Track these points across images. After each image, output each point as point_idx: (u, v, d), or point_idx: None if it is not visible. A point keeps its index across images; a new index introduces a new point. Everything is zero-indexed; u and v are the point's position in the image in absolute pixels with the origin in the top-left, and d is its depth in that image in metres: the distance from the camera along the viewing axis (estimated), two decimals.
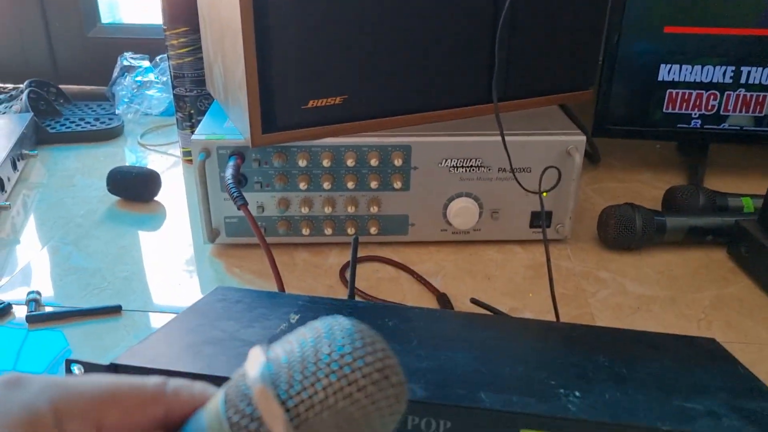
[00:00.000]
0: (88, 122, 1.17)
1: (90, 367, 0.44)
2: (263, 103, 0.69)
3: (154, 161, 1.05)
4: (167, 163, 1.04)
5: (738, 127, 0.95)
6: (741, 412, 0.43)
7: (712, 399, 0.44)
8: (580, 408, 0.42)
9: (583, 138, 0.75)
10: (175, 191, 0.95)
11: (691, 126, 0.96)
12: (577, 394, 0.44)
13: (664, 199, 0.86)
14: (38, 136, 1.11)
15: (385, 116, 0.74)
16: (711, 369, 0.50)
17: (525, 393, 0.43)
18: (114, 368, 0.44)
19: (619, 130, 0.97)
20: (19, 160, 0.99)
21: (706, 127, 0.96)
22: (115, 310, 0.68)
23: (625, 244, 0.78)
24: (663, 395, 0.44)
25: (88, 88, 1.37)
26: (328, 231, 0.77)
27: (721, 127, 0.95)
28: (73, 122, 1.17)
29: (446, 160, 0.75)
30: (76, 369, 0.44)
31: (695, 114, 0.95)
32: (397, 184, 0.75)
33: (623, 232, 0.77)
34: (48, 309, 0.68)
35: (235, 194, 0.67)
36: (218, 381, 0.42)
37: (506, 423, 0.41)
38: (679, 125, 0.96)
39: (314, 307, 0.57)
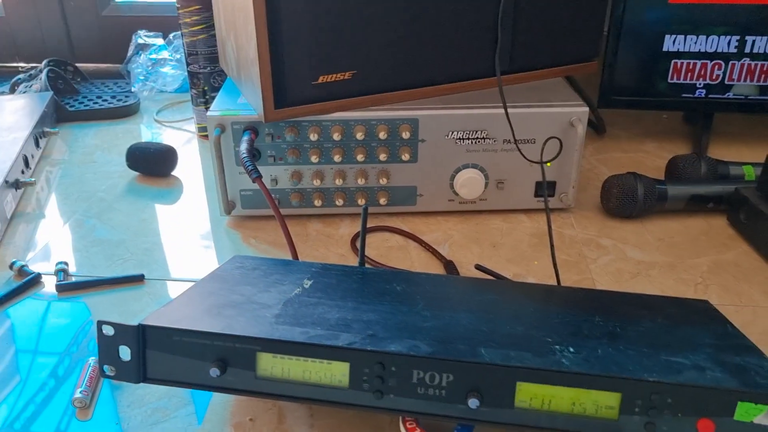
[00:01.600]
0: (105, 100, 1.20)
1: (119, 329, 0.48)
2: (275, 79, 0.71)
3: (170, 137, 1.09)
4: (183, 139, 1.07)
5: (743, 97, 0.96)
6: (725, 365, 0.46)
7: (699, 354, 0.47)
8: (574, 362, 0.45)
9: (586, 109, 0.77)
10: (191, 166, 0.98)
11: (695, 96, 0.97)
12: (572, 349, 0.47)
13: (667, 168, 0.88)
14: (58, 115, 1.14)
15: (393, 90, 0.76)
16: (700, 327, 0.53)
17: (522, 348, 0.46)
18: (142, 329, 0.47)
19: (625, 100, 0.99)
20: (41, 138, 1.03)
21: (710, 96, 0.97)
22: (139, 279, 0.72)
23: (627, 212, 0.80)
24: (652, 351, 0.47)
25: (103, 66, 1.40)
26: (339, 202, 0.80)
27: (725, 96, 0.97)
28: (90, 100, 1.20)
29: (453, 133, 0.77)
30: (106, 330, 0.48)
31: (700, 84, 0.96)
32: (405, 157, 0.78)
33: (625, 200, 0.79)
34: (75, 279, 0.72)
35: (249, 168, 0.70)
36: (237, 340, 0.46)
37: (504, 376, 0.44)
38: (683, 95, 0.97)
39: (326, 274, 0.61)
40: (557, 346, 0.47)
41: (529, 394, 0.44)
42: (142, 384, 0.57)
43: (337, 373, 0.46)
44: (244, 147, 0.73)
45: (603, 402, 0.44)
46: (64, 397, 0.57)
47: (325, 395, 0.47)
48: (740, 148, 1.00)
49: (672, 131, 1.08)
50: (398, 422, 0.53)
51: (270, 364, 0.47)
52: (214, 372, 0.46)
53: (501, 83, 0.71)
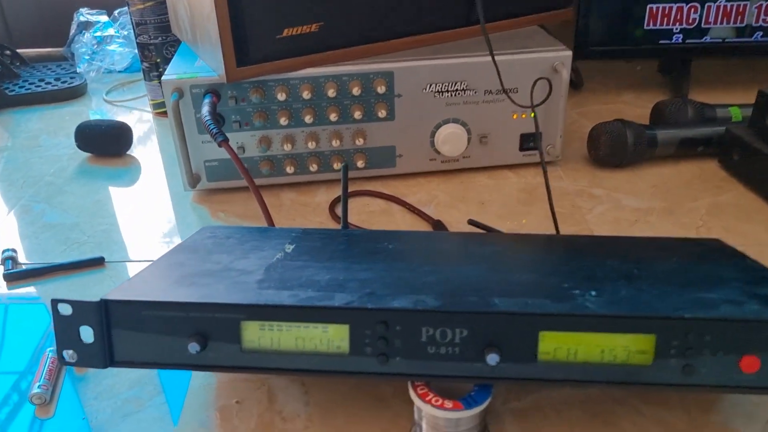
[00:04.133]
0: (49, 82, 1.11)
1: (78, 306, 0.41)
2: (235, 34, 0.65)
3: (122, 118, 1.01)
4: (137, 118, 1.00)
5: (720, 40, 0.93)
6: (758, 298, 0.42)
7: (728, 289, 0.43)
8: (599, 305, 0.40)
9: (569, 53, 0.73)
10: (147, 145, 0.90)
11: (673, 42, 0.94)
12: (593, 293, 0.42)
13: (652, 114, 0.85)
14: None
15: (363, 43, 0.71)
16: (720, 264, 0.49)
17: (539, 296, 0.42)
18: (105, 305, 0.41)
19: (601, 50, 0.95)
20: None
21: (688, 41, 0.94)
22: (98, 263, 0.65)
23: (617, 160, 0.77)
24: (678, 289, 0.43)
25: (44, 50, 1.30)
26: (314, 168, 0.74)
27: (703, 40, 0.94)
28: (32, 84, 1.11)
29: (431, 85, 0.72)
30: (63, 309, 0.41)
31: (677, 29, 0.93)
32: (382, 113, 0.72)
33: (615, 147, 0.75)
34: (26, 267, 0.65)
35: (214, 131, 0.64)
36: (217, 309, 0.40)
37: (524, 326, 0.39)
38: (661, 41, 0.94)
39: (309, 238, 0.55)
40: (576, 291, 0.42)
41: (552, 345, 0.40)
42: (109, 373, 0.51)
43: (335, 338, 0.41)
44: (205, 110, 0.66)
45: (635, 346, 0.39)
46: (20, 395, 0.50)
47: (322, 365, 0.41)
48: (719, 94, 0.98)
49: (648, 82, 1.04)
50: (402, 393, 0.48)
51: (257, 335, 0.41)
52: (194, 348, 0.40)
53: (485, 28, 0.66)
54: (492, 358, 0.39)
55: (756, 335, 0.38)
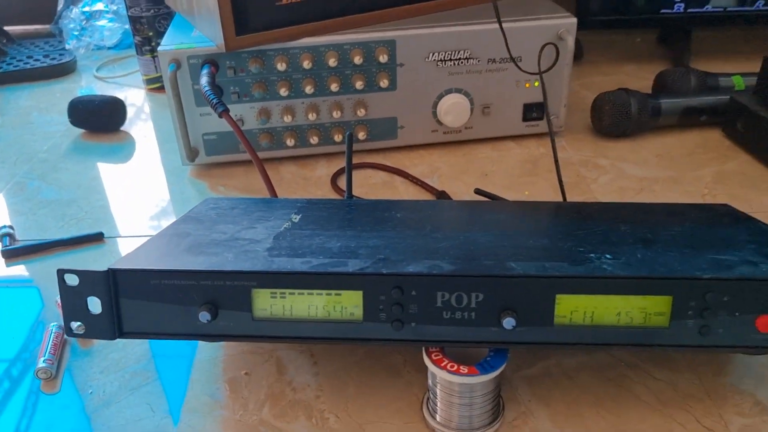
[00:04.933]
0: (38, 59, 1.08)
1: (85, 276, 0.40)
2: (234, 2, 0.63)
3: (114, 94, 0.99)
4: (129, 94, 0.98)
5: (721, 9, 0.93)
6: None
7: (743, 251, 0.43)
8: (616, 267, 0.40)
9: (574, 20, 0.72)
10: (142, 121, 0.89)
11: (674, 11, 0.93)
12: (609, 256, 0.42)
13: (655, 83, 0.84)
14: None
15: (365, 11, 0.69)
16: (733, 227, 0.49)
17: (555, 259, 0.41)
18: (112, 274, 0.40)
19: (603, 20, 0.94)
20: None
21: (689, 11, 0.93)
22: (97, 238, 0.64)
23: (621, 129, 0.76)
24: (694, 251, 0.43)
25: (31, 27, 1.27)
26: (314, 140, 0.73)
27: (704, 9, 0.93)
28: (20, 61, 1.08)
29: (433, 54, 0.71)
30: (70, 279, 0.40)
31: None
32: (384, 83, 0.71)
33: (619, 116, 0.75)
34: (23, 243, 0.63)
35: (214, 101, 0.62)
36: (228, 277, 0.39)
37: (541, 290, 0.39)
38: (662, 11, 0.93)
39: (314, 207, 0.54)
40: (592, 254, 0.42)
41: (569, 308, 0.39)
42: (116, 348, 0.50)
43: (348, 304, 0.40)
44: (204, 80, 0.65)
45: (652, 308, 0.39)
46: (26, 370, 0.49)
47: (335, 332, 0.40)
48: (719, 64, 0.97)
49: (648, 53, 1.04)
50: (413, 361, 0.48)
51: (268, 303, 0.40)
52: (204, 317, 0.40)
53: None
54: (508, 322, 0.38)
55: None
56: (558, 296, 0.39)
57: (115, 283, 0.40)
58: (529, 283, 0.39)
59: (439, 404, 0.42)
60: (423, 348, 0.41)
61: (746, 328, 0.39)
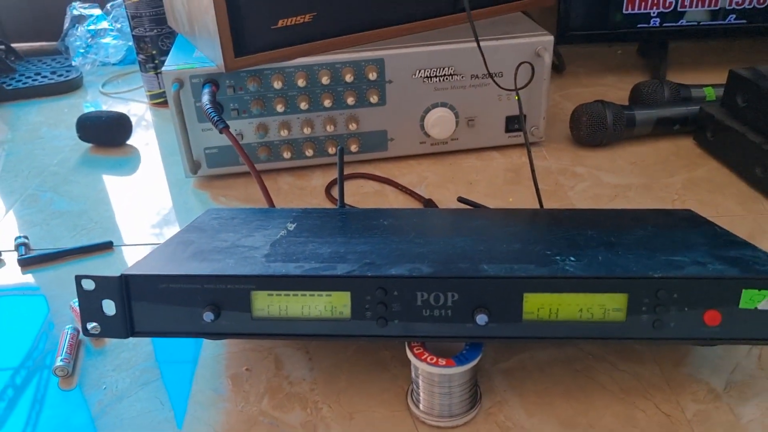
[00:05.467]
0: (45, 76, 1.13)
1: (101, 281, 0.45)
2: (233, 26, 0.68)
3: (119, 109, 1.03)
4: (134, 109, 1.02)
5: (695, 23, 0.97)
6: (723, 259, 0.46)
7: (696, 252, 0.48)
8: (578, 268, 0.44)
9: (551, 38, 0.76)
10: (146, 135, 0.93)
11: (650, 25, 0.98)
12: (572, 259, 0.46)
13: (631, 95, 0.89)
14: None
15: (355, 31, 0.74)
16: (691, 231, 0.53)
17: (524, 261, 0.45)
18: (125, 279, 0.45)
19: (582, 35, 0.98)
20: None
21: (665, 25, 0.98)
22: (107, 246, 0.68)
23: (598, 139, 0.81)
24: (651, 253, 0.47)
25: (37, 44, 1.32)
26: (309, 153, 0.78)
27: (679, 23, 0.98)
28: (29, 78, 1.13)
29: (420, 71, 0.75)
30: (86, 284, 0.45)
31: (654, 13, 0.97)
32: (374, 99, 0.75)
33: (595, 127, 0.79)
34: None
35: (215, 118, 0.67)
36: (229, 281, 0.44)
37: (510, 289, 0.43)
38: (639, 25, 0.97)
39: (309, 216, 0.59)
40: (558, 257, 0.46)
41: (536, 305, 0.44)
42: (127, 347, 0.55)
43: (337, 304, 0.44)
44: (206, 98, 0.70)
45: (610, 305, 0.43)
46: (44, 370, 0.53)
47: (326, 329, 0.45)
48: (695, 75, 1.02)
49: (628, 65, 1.08)
50: (400, 356, 0.52)
51: (266, 303, 0.45)
52: (208, 317, 0.44)
53: (470, 15, 0.70)
54: (481, 319, 0.43)
55: (717, 292, 0.43)
56: (525, 295, 0.43)
57: (128, 287, 0.45)
58: (499, 283, 0.43)
59: (421, 394, 0.46)
60: (406, 343, 0.46)
61: (695, 321, 0.43)
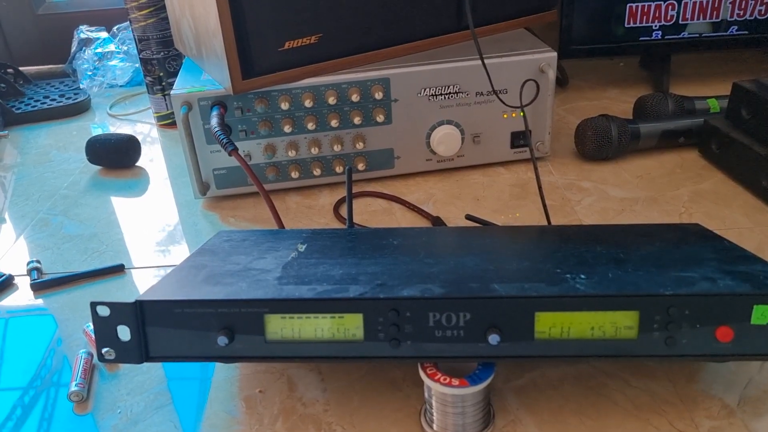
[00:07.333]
0: (54, 99, 1.15)
1: (115, 308, 0.45)
2: (240, 48, 0.69)
3: (126, 131, 1.04)
4: (141, 131, 1.03)
5: (697, 35, 0.98)
6: (734, 274, 0.46)
7: (706, 268, 0.48)
8: (588, 286, 0.44)
9: (554, 54, 0.77)
10: (154, 156, 0.94)
11: (652, 38, 0.98)
12: (583, 276, 0.46)
13: (635, 108, 0.89)
14: (5, 118, 1.09)
15: (360, 52, 0.75)
16: (699, 246, 0.54)
17: (535, 280, 0.46)
18: (139, 305, 0.45)
19: (585, 49, 0.99)
20: None
21: (667, 37, 0.98)
22: (119, 269, 0.69)
23: (603, 153, 0.81)
24: (661, 269, 0.48)
25: (45, 67, 1.34)
26: (317, 172, 0.78)
27: (681, 36, 0.98)
28: (37, 101, 1.14)
29: (425, 89, 0.76)
30: (102, 310, 0.45)
31: (656, 26, 0.98)
32: (380, 118, 0.76)
33: (600, 142, 0.80)
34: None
35: (224, 140, 0.68)
36: (242, 305, 0.44)
37: (521, 308, 0.44)
38: (641, 38, 0.98)
39: (318, 237, 0.59)
40: (568, 275, 0.47)
41: (548, 324, 0.44)
42: (141, 371, 0.55)
43: (350, 326, 0.45)
44: (215, 121, 0.70)
45: (621, 322, 0.44)
46: (58, 395, 0.54)
47: (339, 351, 0.45)
48: (697, 86, 1.02)
49: (631, 77, 1.09)
50: (412, 376, 0.52)
51: (279, 326, 0.45)
52: (222, 341, 0.44)
53: (474, 33, 0.71)
54: (493, 338, 0.43)
55: (729, 308, 0.43)
56: (537, 314, 0.44)
57: (142, 313, 0.45)
58: (511, 303, 0.44)
59: (435, 414, 0.47)
60: (419, 363, 0.46)
61: (707, 338, 0.44)
